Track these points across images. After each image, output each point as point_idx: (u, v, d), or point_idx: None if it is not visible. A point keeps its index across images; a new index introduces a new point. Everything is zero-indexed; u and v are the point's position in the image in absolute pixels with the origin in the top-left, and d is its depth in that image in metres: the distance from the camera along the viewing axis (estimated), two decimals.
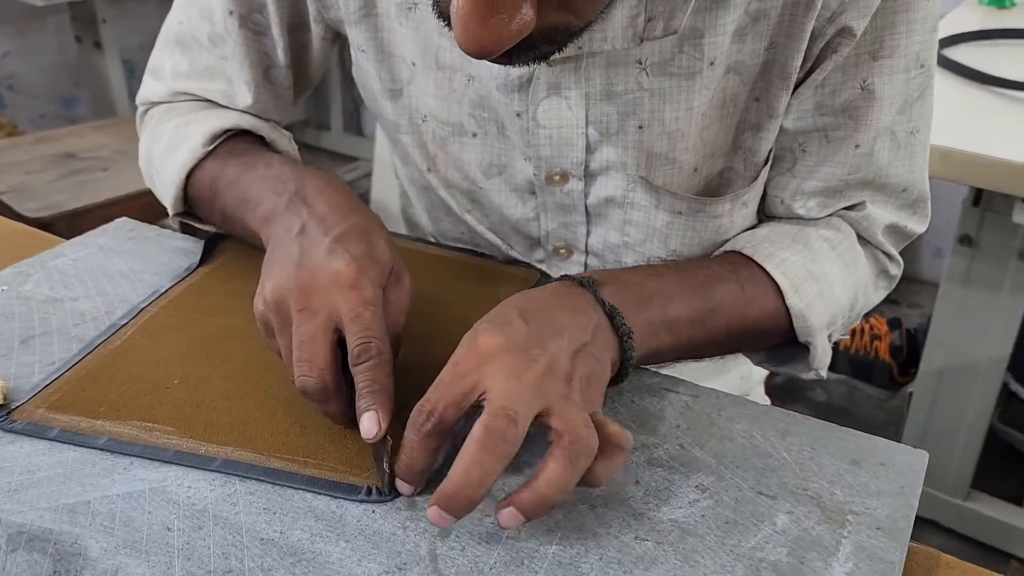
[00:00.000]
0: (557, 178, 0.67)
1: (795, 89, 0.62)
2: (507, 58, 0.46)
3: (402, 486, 0.49)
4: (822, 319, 0.65)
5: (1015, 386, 1.58)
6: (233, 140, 0.71)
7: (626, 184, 0.66)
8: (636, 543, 0.47)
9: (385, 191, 2.32)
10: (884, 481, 0.52)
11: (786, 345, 0.67)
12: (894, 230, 0.71)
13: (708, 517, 0.49)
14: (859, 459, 0.53)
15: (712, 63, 0.60)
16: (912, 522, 0.49)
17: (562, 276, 0.58)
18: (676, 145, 0.63)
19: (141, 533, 0.47)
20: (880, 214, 0.69)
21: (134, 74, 2.74)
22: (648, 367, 0.62)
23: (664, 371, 0.62)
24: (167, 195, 0.73)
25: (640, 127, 0.62)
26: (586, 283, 0.56)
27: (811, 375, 0.67)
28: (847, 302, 0.67)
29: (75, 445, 0.53)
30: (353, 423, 0.52)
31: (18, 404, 0.56)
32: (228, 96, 0.74)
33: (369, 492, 0.50)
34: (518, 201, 0.71)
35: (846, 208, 0.69)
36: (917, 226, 0.71)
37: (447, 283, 0.72)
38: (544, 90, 0.62)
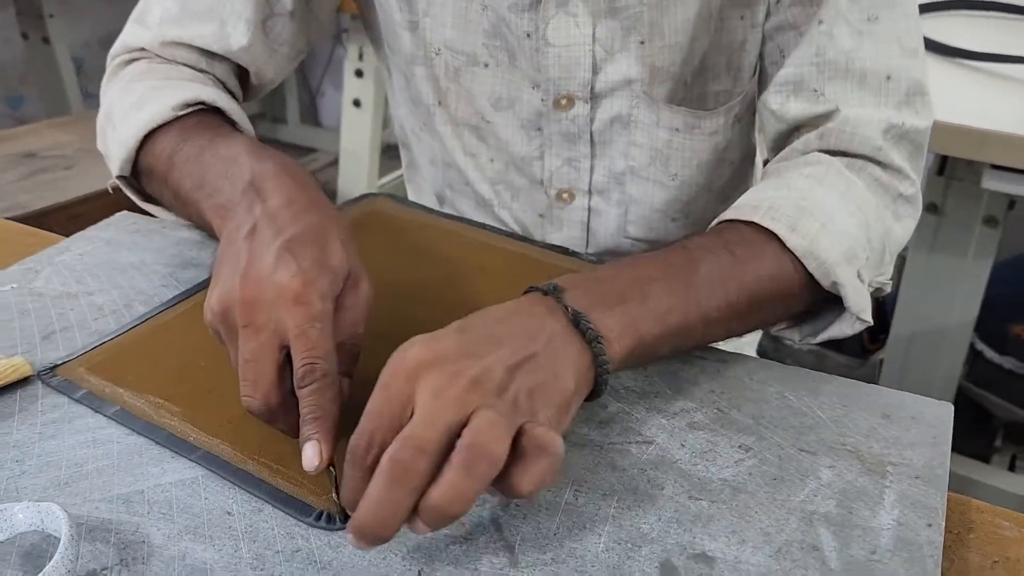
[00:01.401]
0: (564, 102, 0.69)
1: None
2: None
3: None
4: (834, 252, 0.59)
5: (980, 346, 1.63)
6: (203, 114, 0.69)
7: (631, 102, 0.68)
8: (691, 503, 0.49)
9: (351, 182, 2.31)
10: (916, 433, 0.54)
11: (820, 309, 0.64)
12: (895, 133, 0.66)
13: (755, 475, 0.51)
14: (889, 413, 0.55)
15: None
16: (948, 469, 0.51)
17: (530, 288, 0.53)
18: (676, 58, 0.66)
19: (201, 518, 0.47)
20: (869, 115, 0.66)
21: (83, 69, 2.67)
22: None
23: None
24: (117, 154, 0.69)
25: (642, 42, 0.65)
26: (549, 291, 0.51)
27: (857, 325, 0.62)
28: (859, 231, 0.62)
29: (92, 410, 0.55)
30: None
31: (66, 360, 0.59)
32: (221, 37, 0.72)
33: (319, 517, 0.47)
34: (524, 137, 0.73)
35: (823, 121, 0.67)
36: (919, 121, 0.67)
37: (499, 279, 0.68)
38: (553, 7, 0.65)
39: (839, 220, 0.61)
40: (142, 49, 0.75)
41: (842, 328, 0.63)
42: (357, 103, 2.09)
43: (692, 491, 0.49)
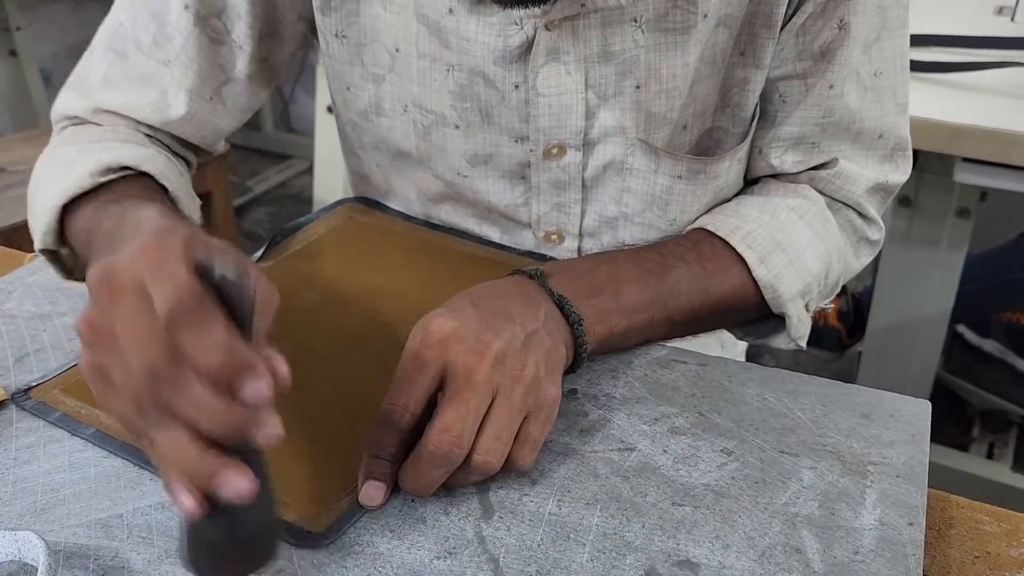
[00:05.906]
0: (555, 152, 0.67)
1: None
2: None
3: (375, 489, 0.48)
4: (793, 288, 0.66)
5: (962, 328, 1.65)
6: (130, 181, 0.63)
7: (625, 149, 0.66)
8: (675, 509, 0.49)
9: (327, 189, 2.30)
10: (895, 431, 0.54)
11: (765, 319, 0.69)
12: (878, 188, 0.71)
13: (738, 479, 0.51)
14: (868, 412, 0.56)
15: (705, 16, 0.61)
16: (927, 467, 0.52)
17: (514, 271, 0.59)
18: (674, 104, 0.64)
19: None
20: (860, 173, 0.70)
21: (50, 81, 2.64)
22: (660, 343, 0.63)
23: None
24: (39, 224, 0.63)
25: (638, 87, 0.63)
26: (535, 275, 0.58)
27: (791, 346, 0.68)
28: (820, 270, 0.68)
29: (69, 432, 0.54)
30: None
31: (40, 382, 0.58)
32: (160, 107, 0.68)
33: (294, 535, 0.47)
34: (506, 187, 0.71)
35: (818, 168, 0.70)
36: (900, 176, 0.72)
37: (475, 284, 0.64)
38: (543, 56, 0.62)
39: (806, 258, 0.67)
40: (76, 117, 0.71)
41: (778, 343, 0.69)
42: (331, 109, 2.08)
43: (675, 497, 0.49)
